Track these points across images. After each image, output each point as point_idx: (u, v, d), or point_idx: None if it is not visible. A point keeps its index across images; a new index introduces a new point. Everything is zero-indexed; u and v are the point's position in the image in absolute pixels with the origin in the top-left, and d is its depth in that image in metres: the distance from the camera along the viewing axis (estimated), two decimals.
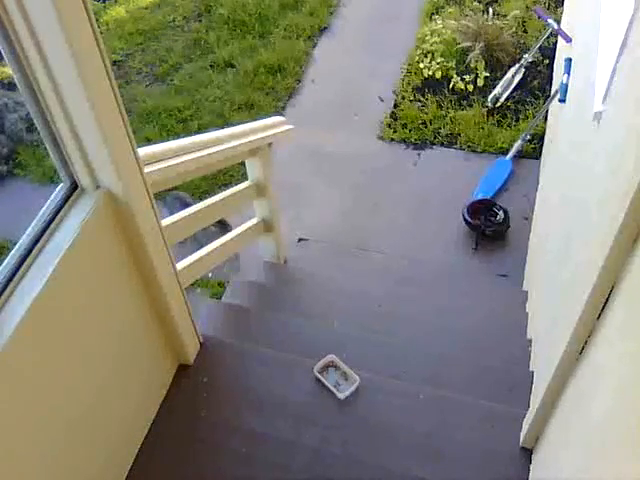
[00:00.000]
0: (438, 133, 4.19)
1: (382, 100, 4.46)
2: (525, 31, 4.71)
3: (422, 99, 4.37)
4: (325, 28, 5.06)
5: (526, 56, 4.15)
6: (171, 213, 2.59)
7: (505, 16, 4.71)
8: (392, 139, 4.22)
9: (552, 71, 4.27)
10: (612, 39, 1.80)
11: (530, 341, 2.59)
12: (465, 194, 3.80)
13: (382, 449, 2.14)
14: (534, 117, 4.02)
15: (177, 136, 3.79)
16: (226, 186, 2.92)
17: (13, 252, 1.53)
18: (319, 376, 2.29)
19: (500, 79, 4.26)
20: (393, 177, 4.05)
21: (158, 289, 2.00)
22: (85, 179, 1.66)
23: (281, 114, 4.30)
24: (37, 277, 1.51)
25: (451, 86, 4.38)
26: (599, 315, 1.42)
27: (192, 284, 3.10)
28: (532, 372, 2.33)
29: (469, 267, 3.56)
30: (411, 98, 4.38)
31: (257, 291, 3.14)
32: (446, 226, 3.72)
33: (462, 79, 4.38)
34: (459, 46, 4.51)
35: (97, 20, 1.48)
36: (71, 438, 1.75)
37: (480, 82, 4.36)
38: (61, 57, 1.40)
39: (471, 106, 4.28)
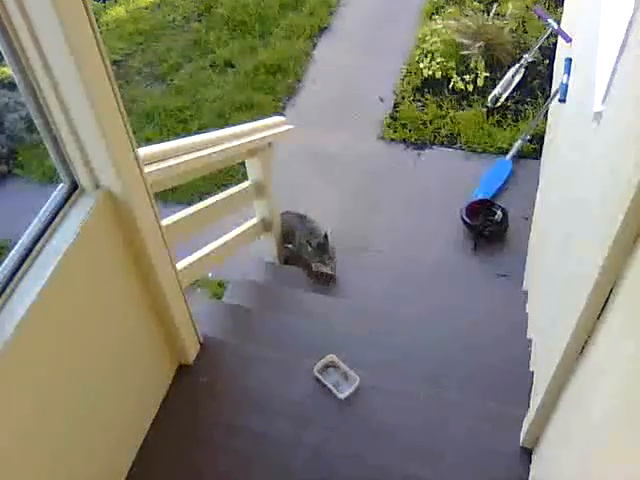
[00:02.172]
0: (438, 133, 4.19)
1: (382, 100, 4.46)
2: (525, 31, 4.71)
3: (422, 99, 4.36)
4: (325, 28, 5.06)
5: (526, 56, 4.15)
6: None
7: (504, 16, 4.71)
8: (392, 139, 4.22)
9: (552, 71, 4.27)
10: (612, 39, 1.80)
11: (530, 341, 2.58)
12: (465, 194, 3.80)
13: (382, 449, 2.14)
14: (534, 117, 4.01)
15: (177, 136, 3.78)
16: (226, 186, 2.91)
17: (13, 252, 1.53)
18: (319, 376, 2.29)
19: (500, 79, 4.26)
20: (393, 177, 4.05)
21: (158, 289, 2.00)
22: (85, 179, 1.66)
23: (281, 114, 4.29)
24: (37, 277, 1.51)
25: (451, 86, 4.38)
26: (599, 315, 1.42)
27: (192, 284, 3.10)
28: (532, 372, 2.33)
29: (469, 267, 3.56)
30: (411, 98, 4.38)
31: (257, 291, 3.14)
32: (446, 226, 3.72)
33: (462, 79, 4.38)
34: (459, 46, 4.51)
35: (97, 20, 1.48)
36: (71, 438, 1.75)
37: (480, 82, 4.36)
38: (61, 57, 1.40)
39: (471, 106, 4.28)
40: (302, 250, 3.15)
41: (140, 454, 2.10)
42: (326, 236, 3.16)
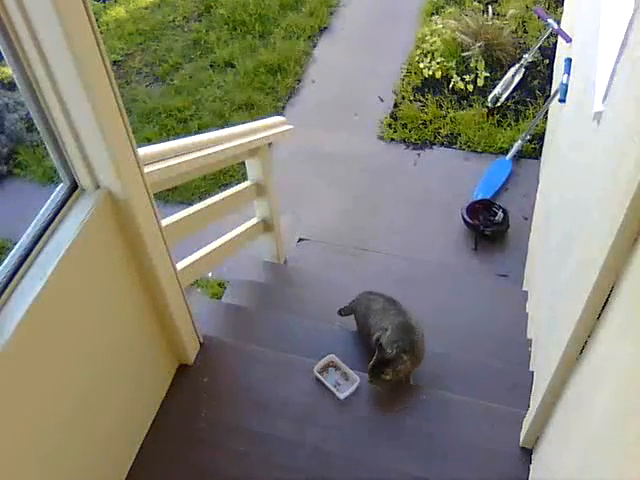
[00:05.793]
0: (438, 133, 4.19)
1: (382, 100, 4.46)
2: (525, 31, 4.71)
3: (422, 99, 4.37)
4: (325, 28, 5.06)
5: (526, 56, 4.15)
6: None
7: (505, 16, 4.72)
8: (392, 139, 4.22)
9: (552, 71, 4.27)
10: (612, 39, 1.80)
11: (530, 341, 2.58)
12: (465, 194, 3.80)
13: (382, 449, 2.14)
14: (534, 117, 4.02)
15: (177, 136, 3.78)
16: (226, 186, 2.92)
17: (13, 252, 1.53)
18: (319, 376, 2.29)
19: (500, 79, 4.26)
20: (393, 177, 4.05)
21: (158, 289, 2.00)
22: (85, 179, 1.66)
23: (281, 114, 4.30)
24: (37, 277, 1.51)
25: (451, 86, 4.38)
26: (599, 315, 1.42)
27: (192, 284, 3.10)
28: (532, 372, 2.33)
29: (469, 267, 3.56)
30: (411, 98, 4.38)
31: (257, 291, 3.14)
32: (446, 226, 3.72)
33: (462, 79, 4.38)
34: (459, 46, 4.51)
35: (97, 20, 1.48)
36: (71, 438, 1.75)
37: (480, 82, 4.36)
38: (61, 57, 1.40)
39: (471, 106, 4.28)
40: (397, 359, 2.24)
41: (140, 454, 2.10)
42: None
